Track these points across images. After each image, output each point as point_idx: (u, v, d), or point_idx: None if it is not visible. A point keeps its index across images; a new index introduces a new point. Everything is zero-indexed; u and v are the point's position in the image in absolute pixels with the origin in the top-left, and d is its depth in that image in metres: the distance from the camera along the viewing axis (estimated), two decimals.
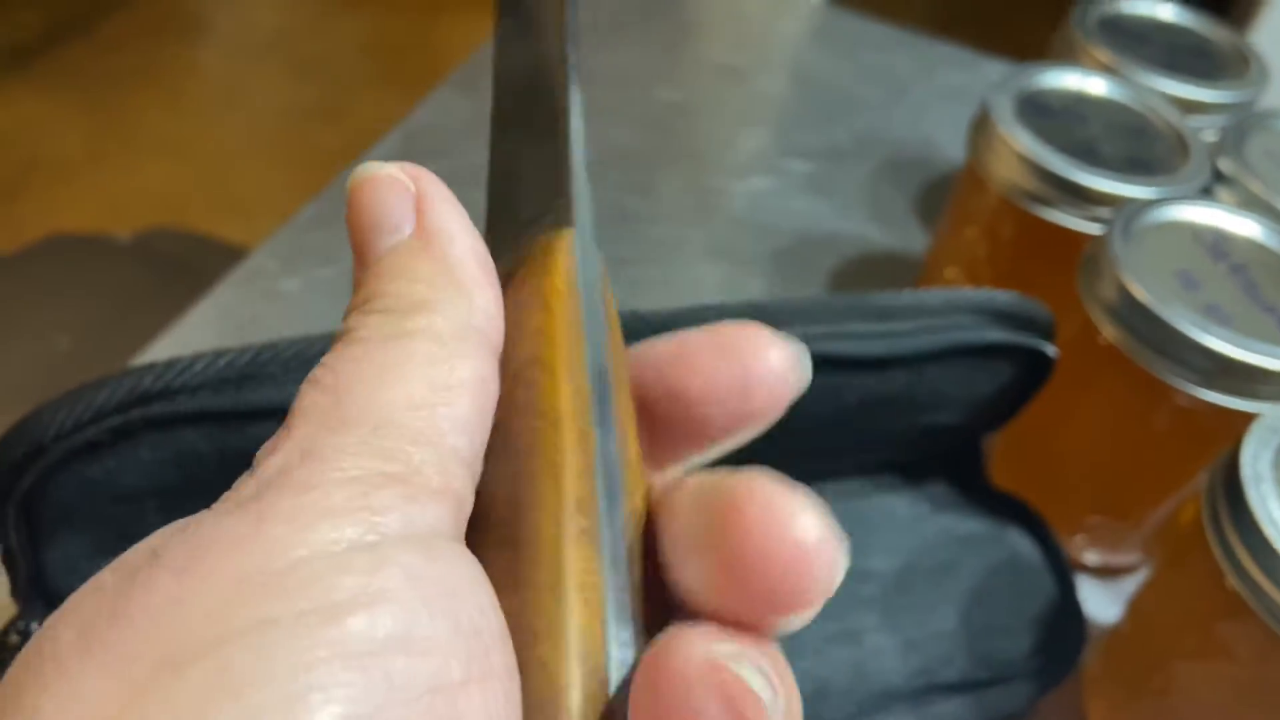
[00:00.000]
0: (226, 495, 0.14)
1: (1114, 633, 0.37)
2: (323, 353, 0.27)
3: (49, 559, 0.27)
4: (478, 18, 1.81)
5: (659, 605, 0.16)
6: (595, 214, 0.19)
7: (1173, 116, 0.44)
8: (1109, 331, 0.35)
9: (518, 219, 0.19)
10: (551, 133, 0.19)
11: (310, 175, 1.46)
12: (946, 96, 0.69)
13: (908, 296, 0.33)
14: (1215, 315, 0.34)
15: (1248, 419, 0.32)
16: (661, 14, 0.74)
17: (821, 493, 0.39)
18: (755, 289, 0.52)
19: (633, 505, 0.17)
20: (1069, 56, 0.50)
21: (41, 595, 0.27)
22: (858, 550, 0.35)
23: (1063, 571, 0.36)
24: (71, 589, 0.14)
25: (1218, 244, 0.38)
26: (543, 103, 0.20)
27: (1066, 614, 0.36)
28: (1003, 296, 0.33)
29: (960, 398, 0.34)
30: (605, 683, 0.15)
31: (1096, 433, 0.39)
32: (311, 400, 0.15)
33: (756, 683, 0.14)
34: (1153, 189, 0.40)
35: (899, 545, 0.36)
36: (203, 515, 0.14)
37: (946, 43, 0.75)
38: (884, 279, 0.54)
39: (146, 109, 1.58)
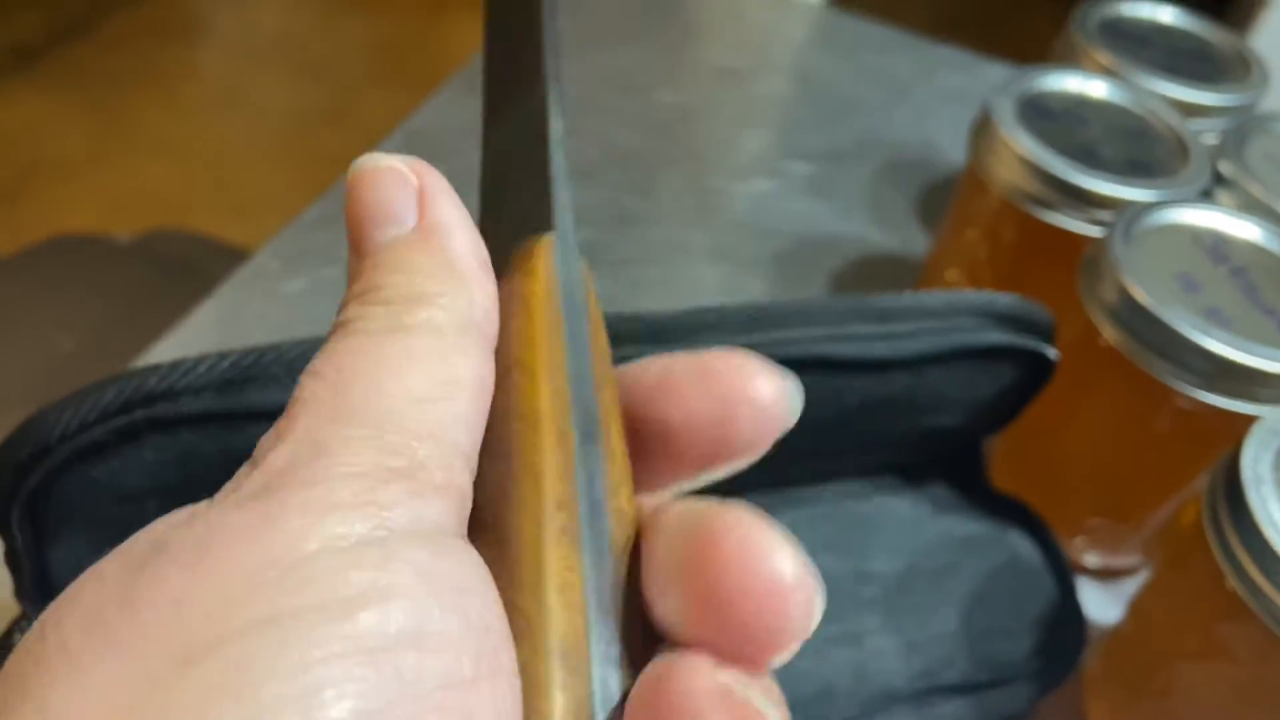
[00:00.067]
0: (229, 487, 0.14)
1: (1114, 634, 0.37)
2: None
3: (53, 559, 0.27)
4: (480, 19, 1.81)
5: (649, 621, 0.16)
6: (578, 217, 0.19)
7: (1173, 119, 0.45)
8: (1109, 334, 0.35)
9: (503, 223, 0.19)
10: (533, 139, 0.20)
11: (312, 176, 1.46)
12: (947, 99, 0.69)
13: (909, 299, 0.33)
14: (1216, 318, 0.34)
15: (1248, 421, 0.32)
16: (663, 16, 0.74)
17: (823, 494, 0.39)
18: (756, 290, 0.53)
19: (617, 504, 0.17)
20: (1070, 59, 0.50)
21: (46, 595, 0.27)
22: (859, 552, 0.36)
23: (1063, 573, 0.37)
24: None
25: (1218, 247, 0.38)
26: (525, 109, 0.20)
27: (1067, 615, 0.36)
28: (1004, 299, 0.33)
29: (961, 400, 0.35)
30: (588, 680, 0.15)
31: (1097, 435, 0.39)
32: (313, 391, 0.15)
33: (771, 713, 0.14)
34: (1153, 192, 0.40)
35: (900, 547, 0.36)
36: (207, 507, 0.14)
37: (946, 45, 0.75)
38: (885, 281, 0.54)
39: (148, 109, 1.58)
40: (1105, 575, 0.42)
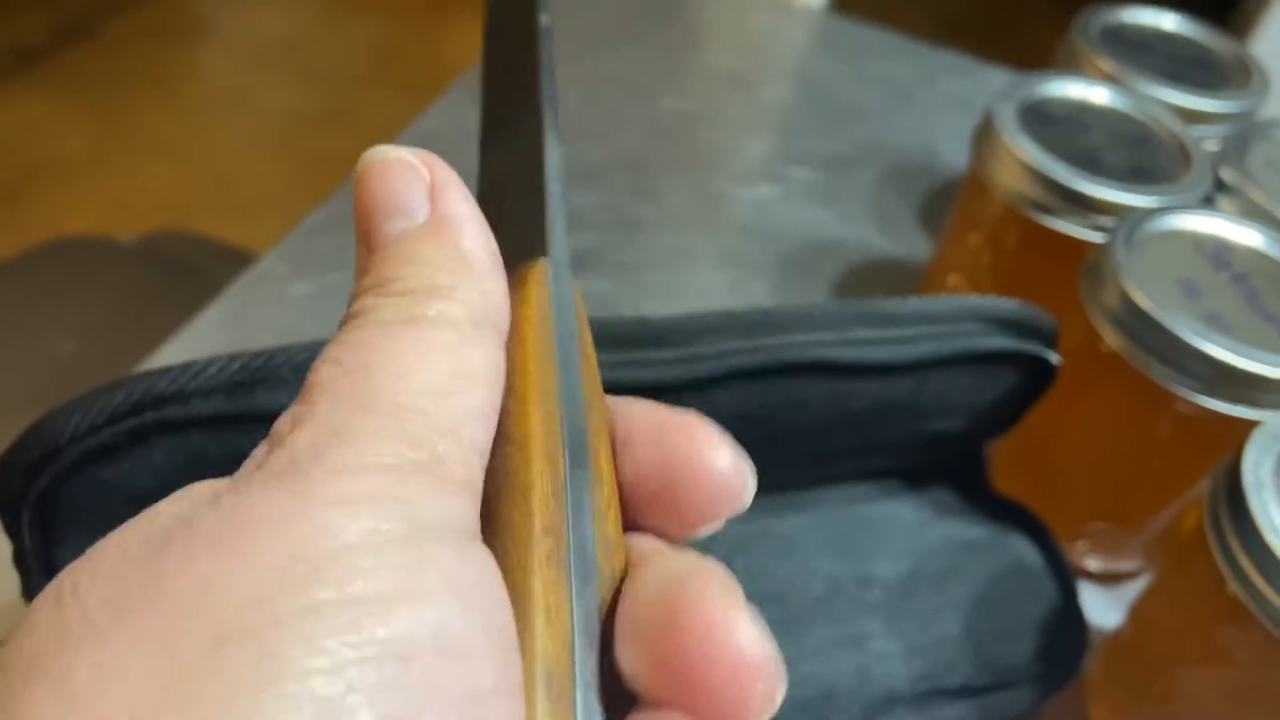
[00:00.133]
0: (249, 466, 0.14)
1: (1116, 638, 0.38)
2: None
3: (61, 560, 0.27)
4: (480, 21, 1.81)
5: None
6: (584, 220, 0.19)
7: (1175, 126, 0.45)
8: (1111, 339, 0.36)
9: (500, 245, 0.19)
10: (529, 163, 0.20)
11: (314, 179, 1.47)
12: (948, 104, 0.69)
13: (913, 304, 0.33)
14: (1217, 324, 0.35)
15: (1249, 426, 0.32)
16: (667, 22, 0.75)
17: (825, 498, 0.39)
18: (760, 295, 0.53)
19: (604, 531, 0.17)
20: (1072, 66, 0.51)
21: None
22: (862, 555, 0.36)
23: (1065, 577, 0.37)
24: None
25: (1219, 253, 0.38)
26: (521, 133, 0.20)
27: (1069, 619, 0.36)
28: (1007, 304, 0.34)
29: (964, 404, 0.35)
30: (571, 707, 0.15)
31: (1099, 439, 0.40)
32: (331, 376, 0.15)
33: None
34: (1155, 198, 0.40)
35: (902, 551, 0.36)
36: (229, 485, 0.14)
37: (948, 51, 0.75)
38: (887, 286, 0.55)
39: (149, 111, 1.58)
40: (1107, 579, 0.43)
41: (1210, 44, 0.53)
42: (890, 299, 0.33)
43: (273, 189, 1.47)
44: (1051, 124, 0.43)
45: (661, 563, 0.16)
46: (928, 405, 0.34)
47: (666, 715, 0.15)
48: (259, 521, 0.13)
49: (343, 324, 0.16)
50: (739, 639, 0.14)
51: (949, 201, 0.61)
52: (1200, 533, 0.31)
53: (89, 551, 0.13)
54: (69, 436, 0.25)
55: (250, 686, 0.12)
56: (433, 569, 0.13)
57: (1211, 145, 0.47)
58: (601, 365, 0.19)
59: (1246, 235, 0.39)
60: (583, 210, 0.54)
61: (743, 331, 0.31)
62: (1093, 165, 0.41)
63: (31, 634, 0.13)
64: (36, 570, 0.27)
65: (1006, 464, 0.43)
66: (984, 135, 0.43)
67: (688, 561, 0.16)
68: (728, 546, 0.33)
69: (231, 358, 0.26)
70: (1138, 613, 0.36)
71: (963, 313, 0.33)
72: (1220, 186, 0.43)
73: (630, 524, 0.18)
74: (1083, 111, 0.45)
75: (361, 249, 0.17)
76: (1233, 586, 0.29)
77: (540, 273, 0.18)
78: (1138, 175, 0.42)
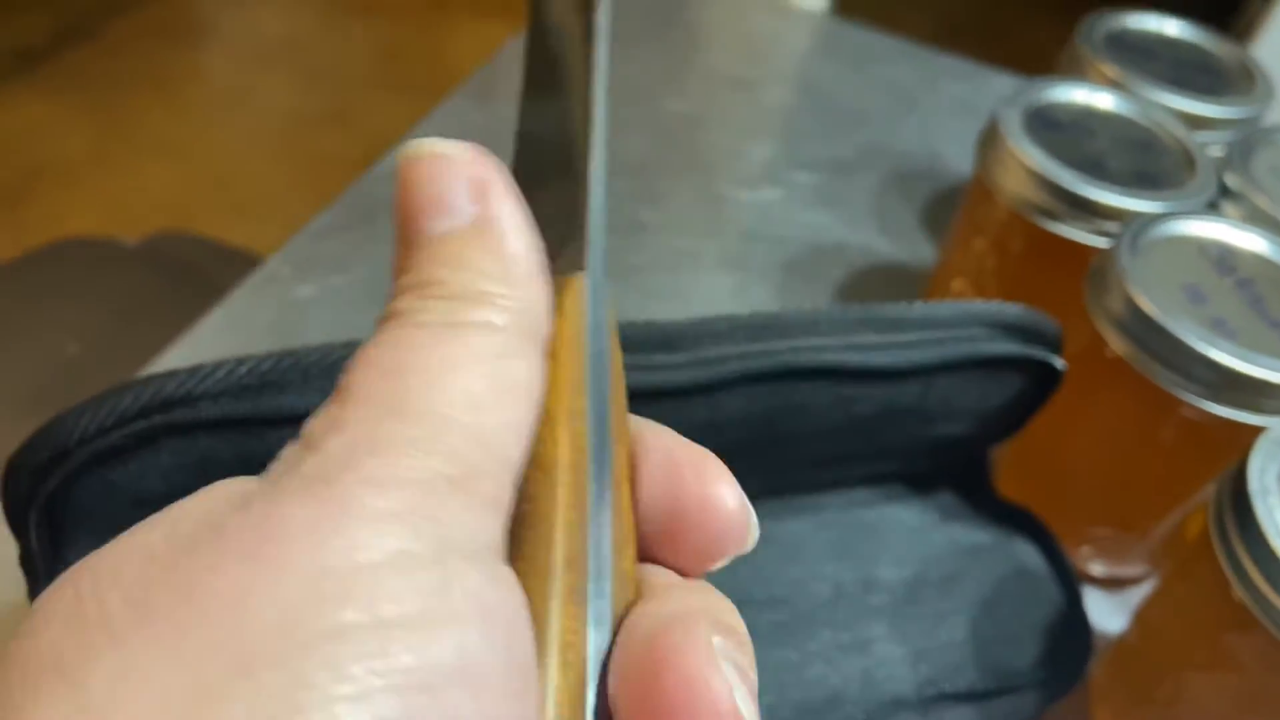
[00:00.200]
0: (279, 468, 0.14)
1: (1120, 643, 0.38)
2: (343, 360, 0.27)
3: (68, 562, 0.27)
4: (484, 24, 1.82)
5: None
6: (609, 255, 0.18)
7: (1179, 131, 0.45)
8: (1116, 344, 0.36)
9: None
10: (573, 168, 0.19)
11: (315, 180, 1.47)
12: (951, 108, 0.70)
13: (918, 308, 0.33)
14: (1222, 329, 0.35)
15: (1254, 432, 0.32)
16: (671, 26, 0.75)
17: (830, 502, 0.39)
18: (763, 298, 0.53)
19: (622, 567, 0.16)
20: (1076, 71, 0.51)
21: None
22: (867, 559, 0.36)
23: (1069, 582, 0.37)
24: None
25: (1224, 258, 0.38)
26: (566, 115, 0.19)
27: (1073, 624, 0.36)
28: (1012, 309, 0.34)
29: (969, 409, 0.35)
30: None
31: (1103, 444, 0.40)
32: (368, 378, 0.14)
33: None
34: (1160, 203, 0.40)
35: (907, 555, 0.36)
36: (260, 488, 0.13)
37: (950, 55, 0.75)
38: (891, 290, 0.55)
39: (151, 112, 1.58)
40: (1111, 584, 0.43)
41: (1214, 49, 0.53)
42: (896, 304, 0.33)
43: (274, 190, 1.47)
44: (1056, 129, 0.43)
45: (659, 605, 0.16)
46: (933, 410, 0.34)
47: None
48: (290, 533, 0.13)
49: (381, 323, 0.15)
50: (715, 693, 0.15)
51: (952, 206, 0.61)
52: (1205, 538, 0.31)
53: (108, 547, 0.13)
54: (77, 439, 0.25)
55: (276, 715, 0.11)
56: (459, 590, 0.13)
57: (1216, 151, 0.47)
58: None
59: (1251, 240, 0.39)
60: None
61: (749, 336, 0.31)
62: (1097, 170, 0.41)
63: (45, 628, 0.12)
64: (43, 572, 0.27)
65: (1011, 469, 0.43)
66: (989, 140, 0.43)
67: (680, 604, 0.16)
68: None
69: (239, 361, 0.26)
70: (1142, 618, 0.36)
71: (968, 318, 0.33)
72: (1225, 192, 0.43)
73: (640, 554, 0.18)
74: (1087, 117, 0.45)
75: (401, 245, 0.16)
76: (1238, 592, 0.29)
77: (578, 289, 0.18)
78: (1142, 180, 0.42)
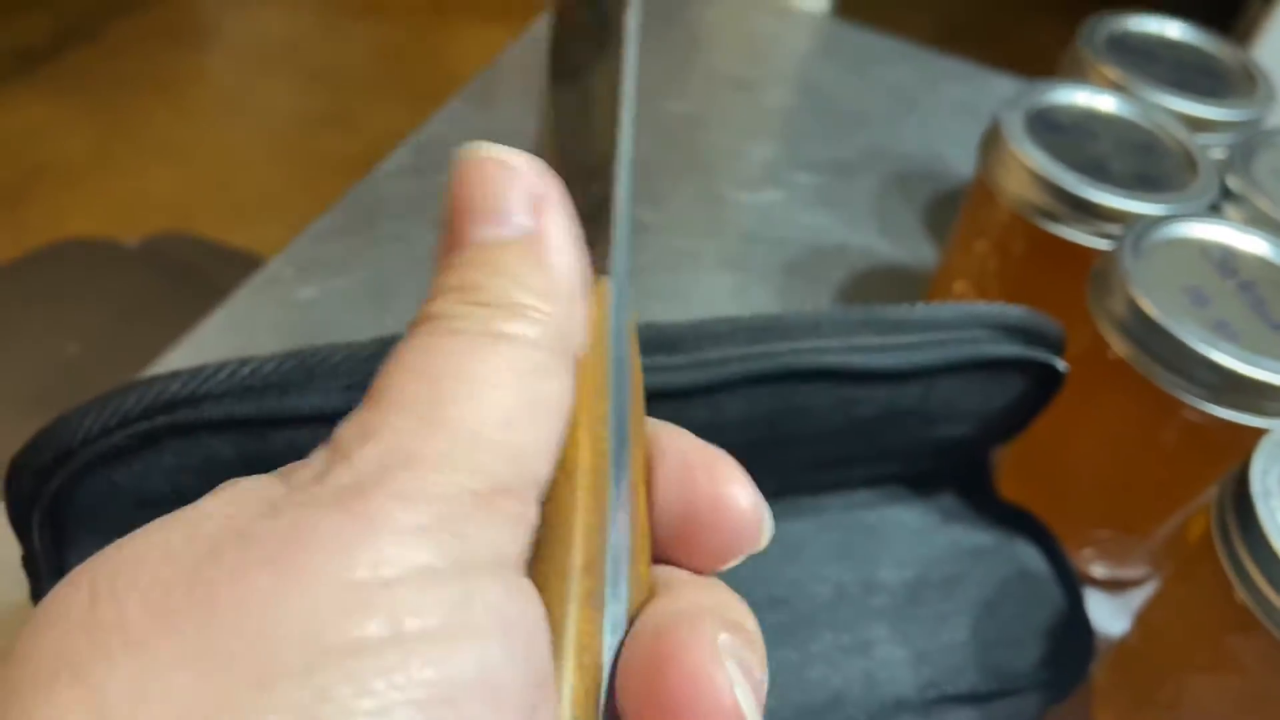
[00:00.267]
0: (309, 475, 0.14)
1: (1122, 645, 0.38)
2: (347, 362, 0.27)
3: (72, 563, 0.27)
4: (485, 28, 1.82)
5: None
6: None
7: (1181, 134, 0.45)
8: (1118, 346, 0.36)
9: None
10: (597, 147, 0.18)
11: (317, 182, 1.47)
12: (952, 110, 0.70)
13: (920, 310, 0.33)
14: (1224, 331, 0.35)
15: (1257, 434, 0.32)
16: (671, 26, 0.75)
17: (832, 503, 0.39)
18: (764, 299, 0.53)
19: (637, 572, 0.17)
20: (1078, 74, 0.51)
21: None
22: (868, 561, 0.36)
23: (1071, 584, 0.37)
24: None
25: (1226, 261, 0.38)
26: (594, 101, 0.19)
27: (1075, 626, 0.36)
28: (1014, 311, 0.34)
29: (971, 411, 0.35)
30: None
31: (1105, 446, 0.40)
32: (403, 385, 0.14)
33: None
34: (1162, 206, 0.40)
35: (909, 557, 0.36)
36: (286, 494, 0.13)
37: (951, 56, 0.75)
38: (892, 292, 0.55)
39: (153, 114, 1.58)
40: (1113, 586, 0.43)
41: (1216, 52, 0.53)
42: (897, 306, 0.33)
43: (275, 192, 1.47)
44: (1058, 131, 0.44)
45: (669, 602, 0.16)
46: (935, 412, 0.34)
47: None
48: (317, 544, 0.13)
49: (417, 324, 0.15)
50: (717, 688, 0.15)
51: (953, 207, 0.61)
52: (1207, 540, 0.31)
53: (123, 546, 0.13)
54: (81, 439, 0.25)
55: None
56: (481, 604, 0.13)
57: (1218, 153, 0.47)
58: None
59: (1253, 243, 0.39)
60: None
61: (750, 338, 0.31)
62: (1099, 173, 0.41)
63: (57, 629, 0.12)
64: (46, 573, 0.27)
65: (1013, 470, 0.43)
66: (991, 142, 0.43)
67: (689, 601, 0.16)
68: None
69: (242, 362, 0.26)
70: (1144, 620, 0.36)
71: (970, 319, 0.33)
72: (1227, 194, 0.43)
73: (655, 555, 0.18)
74: (1089, 119, 0.45)
75: (445, 243, 0.16)
76: (1240, 594, 0.29)
77: (602, 293, 0.18)
78: (1144, 183, 0.42)
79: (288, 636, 0.12)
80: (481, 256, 0.16)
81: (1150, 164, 0.43)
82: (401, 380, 0.14)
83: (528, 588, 0.14)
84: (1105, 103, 0.46)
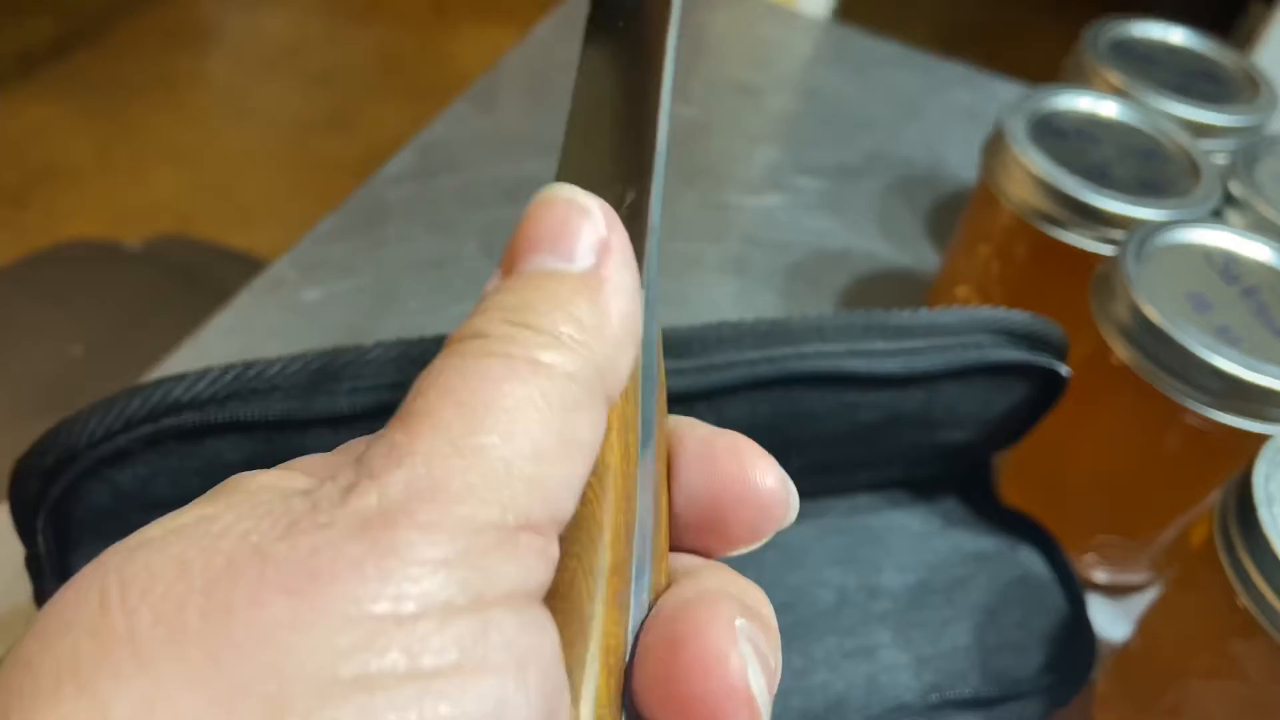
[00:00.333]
0: (333, 494, 0.13)
1: (1124, 651, 0.38)
2: (349, 364, 0.27)
3: (75, 565, 0.27)
4: (487, 31, 1.82)
5: None
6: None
7: (1184, 139, 0.45)
8: (1121, 352, 0.36)
9: None
10: (632, 146, 0.18)
11: (318, 185, 1.47)
12: (955, 115, 0.70)
13: (923, 315, 0.33)
14: (1226, 337, 0.35)
15: (1259, 440, 0.32)
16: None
17: (834, 508, 0.39)
18: (767, 304, 0.53)
19: (657, 577, 0.17)
20: (1081, 79, 0.51)
21: None
22: (870, 566, 0.36)
23: (1073, 589, 0.37)
24: None
25: (1229, 266, 0.38)
26: (630, 98, 0.19)
27: (1077, 631, 0.36)
28: (1017, 316, 0.34)
29: (974, 416, 0.35)
30: None
31: (1108, 452, 0.40)
32: (437, 406, 0.14)
33: None
34: (1164, 211, 0.40)
35: (911, 561, 0.36)
36: (309, 511, 0.13)
37: (954, 62, 0.75)
38: (895, 296, 0.55)
39: (155, 117, 1.59)
40: (1115, 591, 0.43)
41: (1218, 58, 0.53)
42: (900, 310, 0.33)
43: (277, 195, 1.47)
44: (1061, 137, 0.44)
45: (687, 585, 0.16)
46: (937, 417, 0.34)
47: None
48: (336, 574, 0.12)
49: (458, 340, 0.15)
50: (731, 669, 0.15)
51: (956, 212, 0.61)
52: (1209, 546, 0.31)
53: (137, 550, 0.13)
54: (86, 442, 0.25)
55: None
56: (497, 639, 0.13)
57: (1220, 159, 0.47)
58: None
59: (1255, 249, 0.39)
60: None
61: (754, 342, 0.31)
62: (1102, 178, 0.41)
63: (64, 634, 0.12)
64: (50, 574, 0.27)
65: (1015, 475, 0.43)
66: (994, 147, 0.44)
67: (708, 584, 0.16)
68: (737, 557, 0.33)
69: (246, 365, 0.26)
70: (1146, 625, 0.36)
71: (973, 324, 0.33)
72: (1229, 200, 0.43)
73: (680, 545, 0.18)
74: (1092, 124, 0.45)
75: (506, 265, 0.16)
76: (1243, 600, 0.29)
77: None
78: (1147, 188, 0.42)
79: (302, 667, 0.12)
80: (536, 282, 0.16)
81: (1153, 169, 0.43)
82: (435, 403, 0.14)
83: (543, 620, 0.14)
84: (1108, 108, 0.46)
